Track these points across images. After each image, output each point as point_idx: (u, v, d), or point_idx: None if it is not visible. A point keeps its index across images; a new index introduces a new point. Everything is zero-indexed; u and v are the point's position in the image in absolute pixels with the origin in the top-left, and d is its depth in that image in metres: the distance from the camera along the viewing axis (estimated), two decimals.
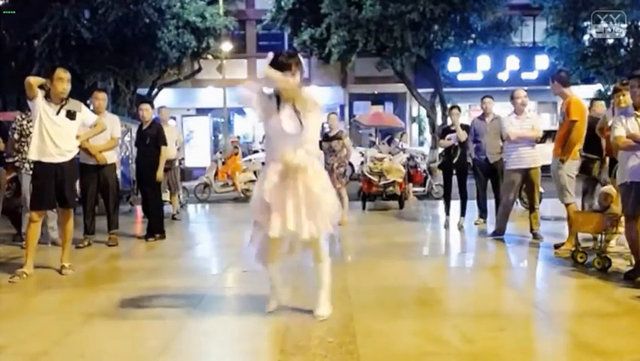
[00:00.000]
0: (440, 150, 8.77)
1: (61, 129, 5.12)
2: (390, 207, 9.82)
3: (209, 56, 22.18)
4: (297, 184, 3.55)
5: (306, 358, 3.14)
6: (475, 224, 7.75)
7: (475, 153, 7.64)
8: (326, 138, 8.09)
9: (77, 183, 5.87)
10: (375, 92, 26.05)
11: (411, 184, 11.51)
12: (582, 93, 18.87)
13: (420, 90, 21.81)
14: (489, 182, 7.70)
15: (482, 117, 7.78)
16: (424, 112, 23.86)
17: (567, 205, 5.85)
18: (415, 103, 24.09)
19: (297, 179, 3.55)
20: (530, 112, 7.14)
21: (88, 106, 6.25)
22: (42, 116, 5.03)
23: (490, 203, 7.74)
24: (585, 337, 3.44)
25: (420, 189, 11.84)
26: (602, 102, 7.45)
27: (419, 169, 11.99)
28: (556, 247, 5.89)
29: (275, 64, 3.52)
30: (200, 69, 22.99)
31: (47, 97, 5.10)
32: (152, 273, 5.33)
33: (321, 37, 19.79)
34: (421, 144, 24.14)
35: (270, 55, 3.59)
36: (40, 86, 5.08)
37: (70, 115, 5.18)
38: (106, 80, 18.89)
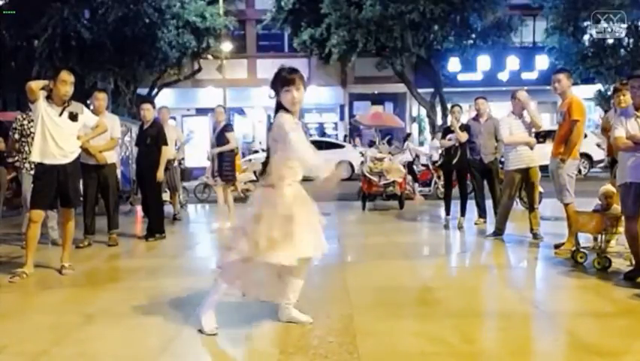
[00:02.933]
0: (440, 149, 8.79)
1: (63, 131, 5.13)
2: (391, 207, 9.82)
3: (209, 56, 22.20)
4: (308, 203, 3.51)
5: (306, 358, 3.14)
6: (475, 224, 7.75)
7: (469, 154, 7.66)
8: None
9: (81, 182, 5.90)
10: (375, 92, 26.07)
11: (417, 184, 11.50)
12: (582, 93, 18.89)
13: (420, 90, 21.83)
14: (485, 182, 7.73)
15: (476, 118, 7.80)
16: (424, 112, 23.89)
17: (566, 205, 5.85)
18: (415, 103, 24.11)
19: (305, 198, 3.50)
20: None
21: (88, 106, 6.25)
22: (44, 118, 5.03)
23: (488, 203, 7.76)
24: (585, 337, 3.44)
25: (426, 188, 11.84)
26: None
27: (430, 168, 12.03)
28: (557, 247, 5.89)
29: (279, 80, 3.44)
30: (200, 69, 23.00)
31: (49, 98, 5.10)
32: (152, 273, 5.33)
33: (321, 37, 19.82)
34: (421, 143, 24.16)
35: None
36: (43, 87, 5.09)
37: (73, 117, 5.19)
38: (106, 80, 18.92)
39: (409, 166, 12.20)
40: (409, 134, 17.17)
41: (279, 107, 3.46)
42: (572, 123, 5.82)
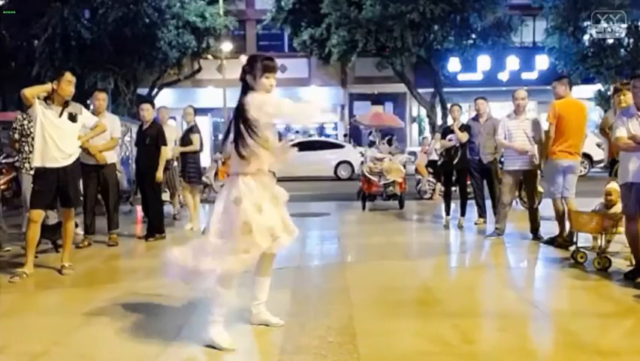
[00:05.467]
0: (441, 150, 8.78)
1: (63, 132, 5.12)
2: (391, 207, 9.82)
3: (209, 56, 22.20)
4: (273, 193, 3.47)
5: (306, 358, 3.14)
6: (475, 224, 7.75)
7: (469, 154, 7.65)
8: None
9: (81, 182, 5.90)
10: (375, 92, 26.06)
11: (439, 183, 11.48)
12: (582, 93, 18.87)
13: (420, 90, 21.82)
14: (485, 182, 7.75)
15: (476, 118, 7.81)
16: (424, 112, 23.88)
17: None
18: (415, 103, 24.11)
19: (272, 188, 3.47)
20: (530, 112, 7.16)
21: (88, 106, 6.25)
22: (43, 120, 5.03)
23: (488, 203, 7.76)
24: (585, 337, 3.44)
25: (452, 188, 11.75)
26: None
27: None
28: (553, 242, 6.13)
29: (265, 68, 3.40)
30: (200, 69, 22.99)
31: (48, 99, 5.09)
32: (152, 273, 5.32)
33: (321, 37, 19.83)
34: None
35: (243, 58, 3.49)
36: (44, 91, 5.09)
37: (72, 118, 5.19)
38: (106, 80, 18.91)
39: (434, 165, 12.10)
40: (435, 133, 16.96)
41: (248, 89, 3.41)
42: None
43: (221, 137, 22.91)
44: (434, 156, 12.48)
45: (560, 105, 6.09)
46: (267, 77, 3.41)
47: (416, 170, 12.32)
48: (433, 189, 11.62)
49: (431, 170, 11.95)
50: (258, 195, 3.31)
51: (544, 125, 6.41)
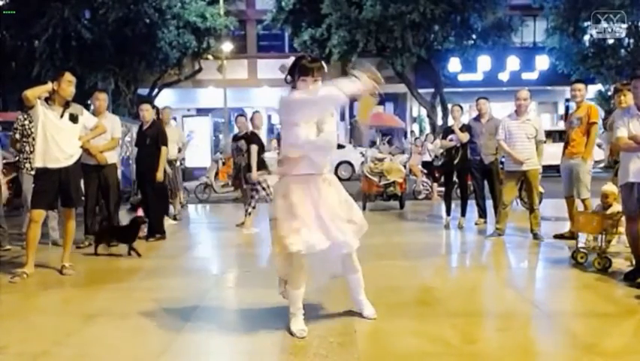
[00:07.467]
0: (441, 150, 8.78)
1: (64, 133, 5.13)
2: (391, 207, 9.82)
3: (210, 57, 22.19)
4: (325, 196, 3.49)
5: (306, 358, 3.14)
6: (476, 224, 7.75)
7: (470, 154, 7.65)
8: (234, 138, 8.22)
9: (82, 181, 5.91)
10: (376, 93, 26.04)
11: (436, 184, 11.49)
12: None
13: (420, 90, 21.82)
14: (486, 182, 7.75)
15: (477, 118, 7.81)
16: (424, 112, 23.88)
17: (584, 200, 6.36)
18: (416, 103, 24.11)
19: (321, 191, 3.48)
20: (531, 113, 7.17)
21: (88, 106, 6.26)
22: (44, 121, 5.03)
23: (488, 203, 7.76)
24: (585, 337, 3.44)
25: None
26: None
27: None
28: (556, 237, 6.35)
29: (298, 67, 3.45)
30: (200, 69, 23.00)
31: (49, 100, 5.10)
32: (152, 273, 5.33)
33: (321, 37, 19.83)
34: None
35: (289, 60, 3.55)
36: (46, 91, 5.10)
37: (73, 118, 5.21)
38: (106, 81, 18.91)
39: (428, 166, 12.12)
40: (427, 135, 16.94)
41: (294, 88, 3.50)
42: (591, 125, 6.29)
43: (221, 137, 22.73)
44: (427, 157, 12.53)
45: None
46: (304, 79, 3.43)
47: (410, 171, 12.33)
48: (428, 190, 11.62)
49: (425, 170, 11.98)
50: (292, 195, 3.40)
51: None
